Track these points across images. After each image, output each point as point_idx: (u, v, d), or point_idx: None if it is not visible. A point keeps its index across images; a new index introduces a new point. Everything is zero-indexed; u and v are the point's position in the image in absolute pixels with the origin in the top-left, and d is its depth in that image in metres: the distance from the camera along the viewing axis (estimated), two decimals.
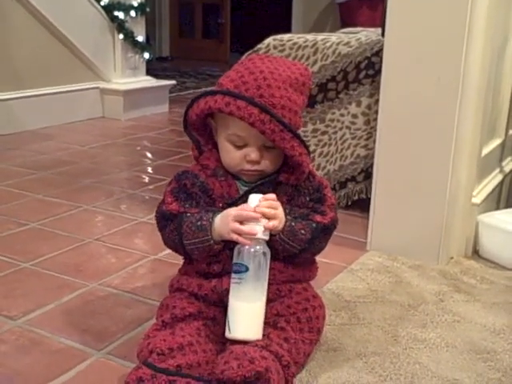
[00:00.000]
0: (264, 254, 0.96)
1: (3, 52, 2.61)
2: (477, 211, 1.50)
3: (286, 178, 1.03)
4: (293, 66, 1.03)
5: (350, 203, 1.78)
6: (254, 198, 0.97)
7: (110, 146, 2.58)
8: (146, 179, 2.11)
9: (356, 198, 1.77)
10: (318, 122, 1.84)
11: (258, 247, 0.95)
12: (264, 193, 0.99)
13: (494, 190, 1.64)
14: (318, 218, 1.02)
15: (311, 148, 1.83)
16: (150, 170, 2.24)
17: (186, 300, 1.02)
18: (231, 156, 1.01)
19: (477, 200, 1.50)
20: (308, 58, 1.85)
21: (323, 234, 1.03)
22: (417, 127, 1.41)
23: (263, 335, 0.96)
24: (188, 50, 5.62)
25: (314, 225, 1.01)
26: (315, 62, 1.84)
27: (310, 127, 1.84)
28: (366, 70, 1.77)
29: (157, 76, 3.36)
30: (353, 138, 1.78)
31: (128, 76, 3.08)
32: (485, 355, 1.07)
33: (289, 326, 0.99)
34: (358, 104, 1.78)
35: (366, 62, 1.77)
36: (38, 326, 1.14)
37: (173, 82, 3.29)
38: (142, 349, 0.94)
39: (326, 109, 1.83)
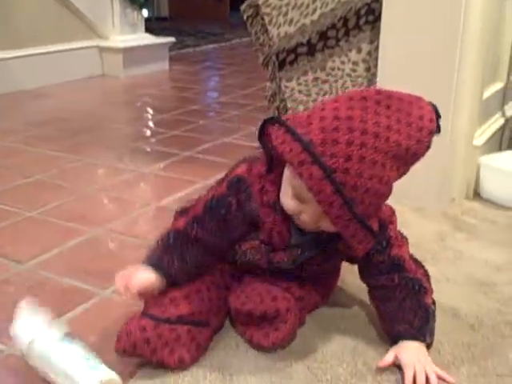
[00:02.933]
0: None
1: (1, 10, 2.59)
2: (478, 153, 1.50)
3: (343, 248, 0.89)
4: (416, 121, 0.80)
5: None
6: None
7: (110, 103, 2.57)
8: (148, 132, 2.11)
9: None
10: (318, 70, 1.83)
11: None
12: (319, 246, 0.90)
13: (495, 133, 1.63)
14: (427, 299, 0.92)
15: (312, 97, 1.82)
16: (151, 124, 2.24)
17: None
18: (287, 201, 0.85)
19: (478, 142, 1.50)
20: (307, 6, 1.83)
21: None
22: (417, 71, 1.40)
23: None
24: (187, 10, 5.55)
25: (431, 309, 0.92)
26: (314, 10, 1.82)
27: (310, 76, 1.83)
28: (365, 16, 1.75)
29: (157, 36, 3.33)
30: (354, 86, 1.77)
31: (127, 33, 3.06)
32: (484, 288, 1.08)
33: None
34: (359, 51, 1.76)
35: (366, 8, 1.75)
36: (44, 269, 1.15)
37: (172, 39, 3.27)
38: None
39: (326, 57, 1.81)
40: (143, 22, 3.18)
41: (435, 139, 0.83)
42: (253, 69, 3.18)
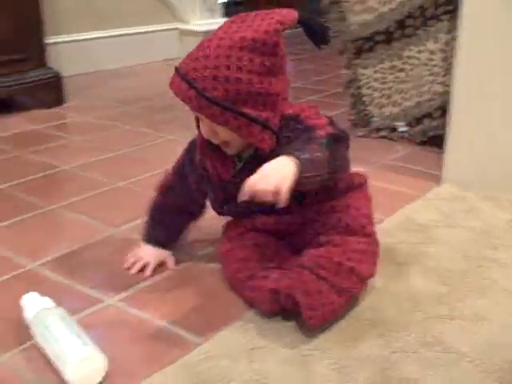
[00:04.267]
0: None
1: None
2: None
3: (260, 150, 0.97)
4: (264, 21, 0.93)
5: (425, 139, 1.81)
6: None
7: None
8: None
9: (432, 133, 1.80)
10: (395, 58, 1.86)
11: None
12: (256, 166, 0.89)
13: None
14: (320, 132, 0.93)
15: (388, 85, 1.86)
16: None
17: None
18: (200, 131, 1.01)
19: None
20: None
21: (337, 144, 0.94)
22: (495, 62, 1.42)
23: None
24: None
25: (322, 140, 0.92)
26: None
27: (387, 64, 1.87)
28: (444, 6, 1.77)
29: None
30: (430, 75, 1.80)
31: (206, 18, 3.15)
32: None
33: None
34: (436, 40, 1.79)
35: None
36: (134, 232, 1.25)
37: None
38: None
39: (403, 46, 1.85)
40: (221, 7, 3.27)
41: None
42: (328, 55, 3.22)
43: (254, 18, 0.94)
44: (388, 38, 1.84)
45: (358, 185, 1.10)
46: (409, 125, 1.84)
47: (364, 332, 0.94)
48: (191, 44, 0.91)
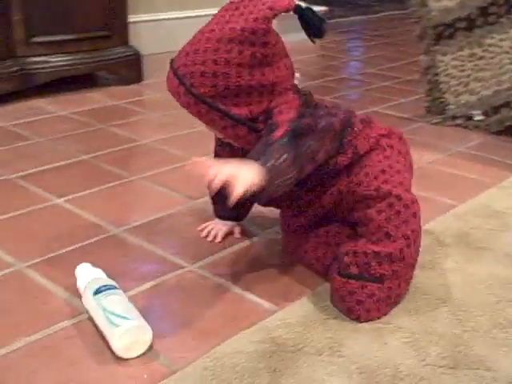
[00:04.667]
0: None
1: None
2: None
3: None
4: (256, 7, 0.90)
5: (502, 129, 1.79)
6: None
7: None
8: None
9: (509, 123, 1.78)
10: (475, 46, 1.84)
11: None
12: None
13: None
14: (278, 133, 0.87)
15: (466, 73, 1.84)
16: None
17: None
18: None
19: None
20: None
21: (299, 139, 0.87)
22: None
23: None
24: None
25: (281, 140, 0.85)
26: None
27: (466, 52, 1.85)
28: None
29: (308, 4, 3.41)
30: (511, 63, 1.78)
31: None
32: None
33: None
34: None
35: None
36: (210, 206, 1.30)
37: (325, 7, 3.34)
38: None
39: (485, 33, 1.83)
40: None
41: None
42: (402, 42, 3.20)
43: (248, 3, 0.92)
44: (469, 25, 1.82)
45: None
46: (485, 114, 1.82)
47: (436, 310, 0.96)
48: None
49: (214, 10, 0.98)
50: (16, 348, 0.87)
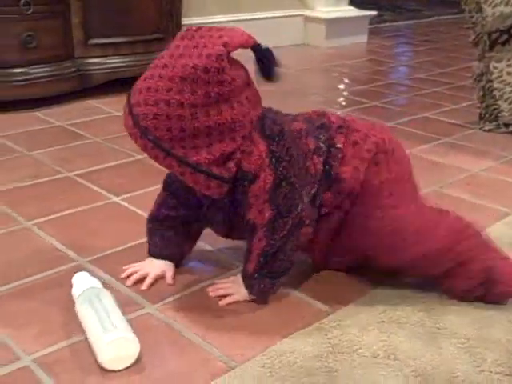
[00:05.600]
0: None
1: None
2: None
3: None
4: (211, 40, 0.84)
5: None
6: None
7: (309, 70, 2.72)
8: (346, 101, 2.23)
9: None
10: None
11: None
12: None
13: None
14: (249, 265, 0.97)
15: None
16: (348, 93, 2.35)
17: None
18: None
19: None
20: None
21: (277, 226, 0.93)
22: None
23: None
24: None
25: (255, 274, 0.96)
26: None
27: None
28: None
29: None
30: None
31: (331, 5, 3.18)
32: None
33: None
34: None
35: None
36: None
37: (373, 12, 3.34)
38: None
39: None
40: None
41: None
42: (453, 47, 3.17)
43: (204, 34, 0.86)
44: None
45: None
46: None
47: (492, 316, 0.96)
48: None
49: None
50: (82, 339, 0.91)
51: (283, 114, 1.01)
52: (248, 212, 0.92)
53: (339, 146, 0.98)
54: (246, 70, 0.90)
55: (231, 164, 0.89)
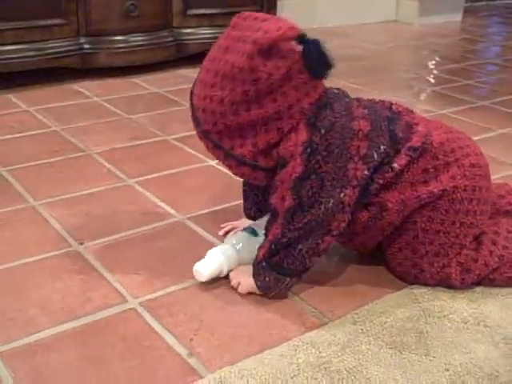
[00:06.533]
0: None
1: None
2: None
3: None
4: (249, 39, 0.82)
5: None
6: None
7: (401, 47, 2.69)
8: (437, 79, 2.20)
9: None
10: None
11: None
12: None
13: None
14: (261, 251, 0.93)
15: None
16: (440, 72, 2.31)
17: None
18: None
19: None
20: None
21: (295, 219, 0.88)
22: None
23: None
24: None
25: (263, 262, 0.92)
26: None
27: None
28: None
29: None
30: None
31: None
32: None
33: None
34: None
35: None
36: None
37: None
38: None
39: None
40: None
41: None
42: None
43: (248, 25, 0.85)
44: None
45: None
46: None
47: None
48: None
49: None
50: (181, 287, 0.97)
51: (362, 102, 0.96)
52: (272, 195, 0.90)
53: (395, 165, 0.90)
54: (292, 59, 0.84)
55: (275, 151, 0.88)
